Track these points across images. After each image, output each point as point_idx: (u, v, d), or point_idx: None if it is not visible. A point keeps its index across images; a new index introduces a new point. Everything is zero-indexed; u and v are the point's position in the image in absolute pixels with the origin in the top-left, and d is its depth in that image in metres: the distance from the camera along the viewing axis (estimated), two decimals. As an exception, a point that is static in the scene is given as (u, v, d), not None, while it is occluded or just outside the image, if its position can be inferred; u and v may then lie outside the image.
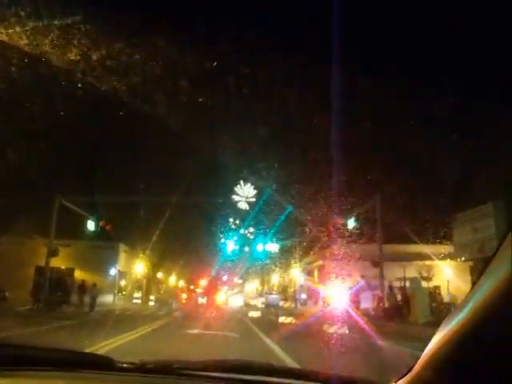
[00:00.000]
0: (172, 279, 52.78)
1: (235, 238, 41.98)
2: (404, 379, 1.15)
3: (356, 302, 21.79)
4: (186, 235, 41.24)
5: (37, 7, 9.02)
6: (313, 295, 33.32)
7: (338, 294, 21.51)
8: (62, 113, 17.74)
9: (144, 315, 21.11)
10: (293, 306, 34.47)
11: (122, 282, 36.33)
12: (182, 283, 56.18)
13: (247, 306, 40.57)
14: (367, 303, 23.16)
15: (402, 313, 19.13)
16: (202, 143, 29.92)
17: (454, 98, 16.55)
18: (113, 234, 28.37)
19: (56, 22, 9.54)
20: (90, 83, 12.87)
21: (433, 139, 20.84)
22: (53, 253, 23.01)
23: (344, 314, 17.54)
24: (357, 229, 22.38)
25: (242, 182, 49.41)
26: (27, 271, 27.50)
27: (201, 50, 13.08)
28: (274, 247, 36.15)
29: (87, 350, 5.39)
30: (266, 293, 43.86)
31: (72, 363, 1.69)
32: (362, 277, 23.62)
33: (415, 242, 25.16)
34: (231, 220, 48.86)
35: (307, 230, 30.99)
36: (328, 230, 24.22)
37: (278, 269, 42.90)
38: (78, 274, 28.89)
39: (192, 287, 54.48)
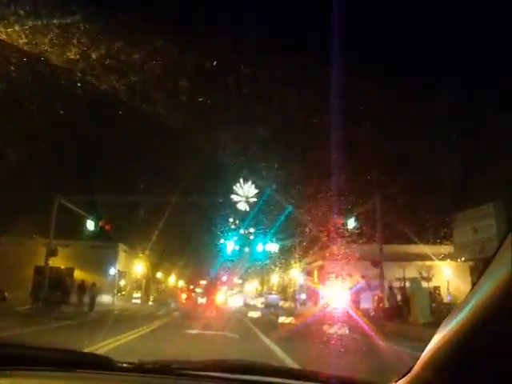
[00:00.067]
0: (172, 279, 52.77)
1: (235, 238, 42.08)
2: (404, 379, 1.15)
3: (356, 302, 21.84)
4: (186, 235, 41.33)
5: (36, 6, 9.01)
6: (312, 295, 33.28)
7: (338, 294, 21.52)
8: (61, 112, 17.75)
9: (143, 315, 21.10)
10: (292, 306, 34.42)
11: (122, 282, 36.26)
12: (181, 283, 56.15)
13: (247, 306, 40.51)
14: (367, 303, 23.17)
15: (402, 313, 19.12)
16: (202, 143, 29.96)
17: (454, 98, 16.55)
18: (112, 234, 28.35)
19: (55, 21, 9.53)
20: (90, 83, 12.85)
21: (433, 139, 20.85)
22: (52, 253, 23.02)
23: (344, 314, 17.56)
24: (357, 229, 22.38)
25: (241, 182, 49.54)
26: (27, 271, 27.48)
27: (201, 49, 13.07)
28: (273, 247, 36.14)
29: (86, 350, 5.38)
30: (265, 293, 43.83)
31: (71, 363, 1.69)
32: (362, 277, 23.64)
33: (415, 242, 25.12)
34: (231, 220, 49.04)
35: (307, 230, 30.94)
36: (328, 230, 24.19)
37: (277, 269, 42.83)
38: (78, 274, 28.86)
39: (191, 287, 54.43)
